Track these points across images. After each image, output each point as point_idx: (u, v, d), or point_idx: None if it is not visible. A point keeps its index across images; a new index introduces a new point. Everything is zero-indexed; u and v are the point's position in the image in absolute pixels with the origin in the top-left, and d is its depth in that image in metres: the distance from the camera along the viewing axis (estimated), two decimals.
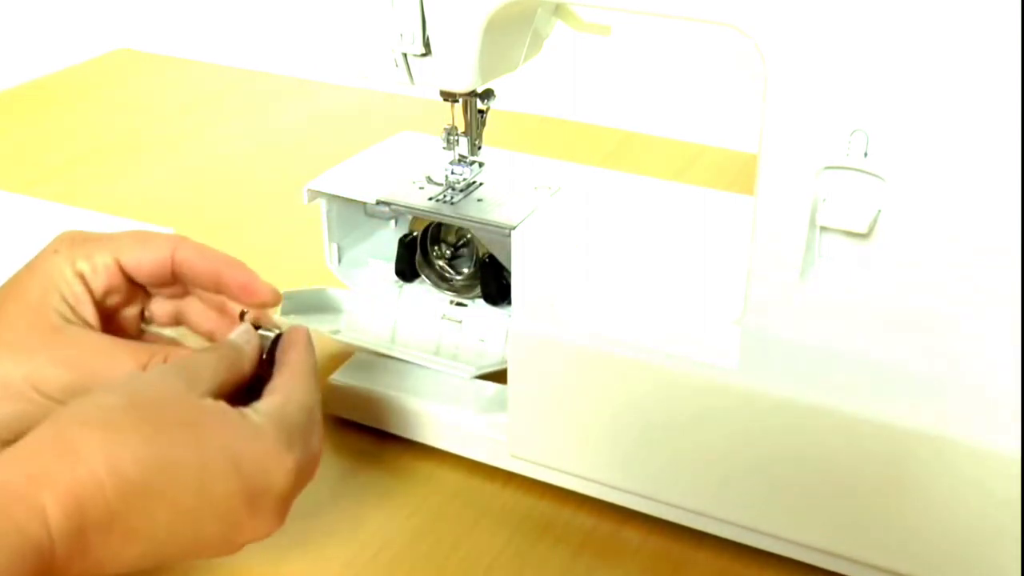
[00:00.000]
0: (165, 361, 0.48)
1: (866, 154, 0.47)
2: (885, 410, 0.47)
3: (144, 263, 0.52)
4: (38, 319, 0.49)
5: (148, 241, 0.52)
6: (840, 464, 0.48)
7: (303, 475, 0.45)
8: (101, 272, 0.51)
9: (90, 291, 0.51)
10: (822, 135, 0.47)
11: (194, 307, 0.55)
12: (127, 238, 0.52)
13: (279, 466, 0.43)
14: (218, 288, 0.52)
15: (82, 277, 0.50)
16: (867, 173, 0.48)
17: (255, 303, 0.52)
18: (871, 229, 0.48)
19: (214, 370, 0.46)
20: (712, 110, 1.03)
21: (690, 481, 0.53)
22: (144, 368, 0.48)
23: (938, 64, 0.44)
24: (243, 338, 0.50)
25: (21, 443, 0.39)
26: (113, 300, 0.52)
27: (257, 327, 0.51)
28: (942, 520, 0.47)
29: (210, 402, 0.44)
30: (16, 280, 0.51)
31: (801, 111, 0.47)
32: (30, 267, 0.51)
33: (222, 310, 0.53)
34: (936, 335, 0.48)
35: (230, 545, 0.43)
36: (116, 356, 0.48)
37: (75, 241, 0.51)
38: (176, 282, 0.53)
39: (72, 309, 0.50)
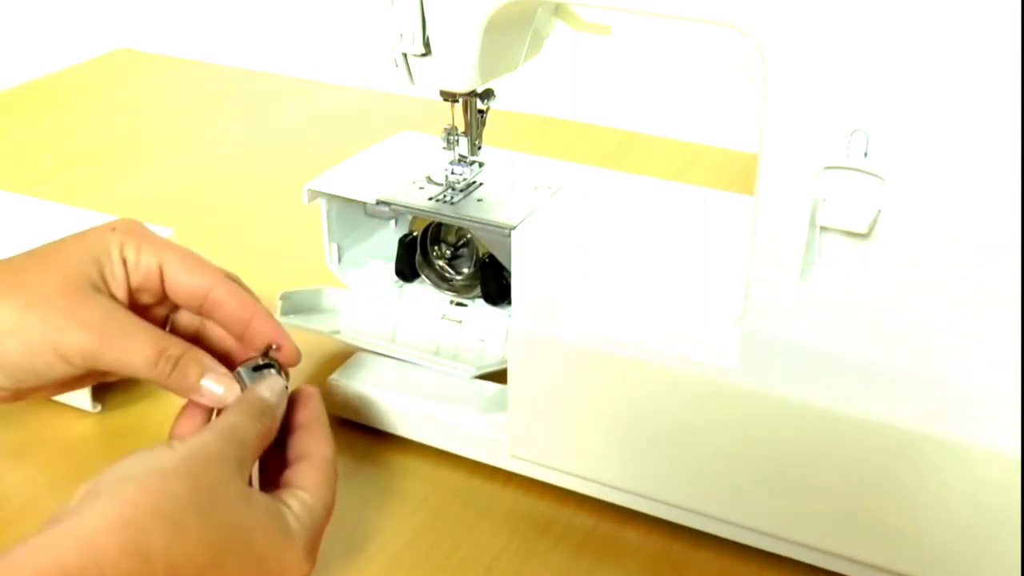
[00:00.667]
0: (177, 361, 0.50)
1: (866, 154, 0.47)
2: (885, 410, 0.47)
3: (180, 287, 0.53)
4: (70, 282, 0.50)
5: (193, 270, 0.52)
6: (840, 464, 0.48)
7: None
8: (142, 270, 0.52)
9: (127, 278, 0.52)
10: (822, 135, 0.47)
11: (216, 331, 0.55)
12: (177, 255, 0.53)
13: (297, 571, 0.45)
14: (242, 335, 0.53)
15: (124, 263, 0.52)
16: (867, 173, 0.48)
17: (278, 358, 0.53)
18: (871, 229, 0.48)
19: (256, 448, 0.47)
20: (712, 110, 1.03)
21: (690, 481, 0.53)
22: (156, 362, 0.49)
23: (938, 64, 0.44)
24: (277, 398, 0.50)
25: (85, 520, 0.40)
26: (143, 298, 0.53)
27: (269, 365, 0.52)
28: (942, 520, 0.47)
29: (259, 498, 0.45)
30: (62, 243, 0.52)
31: (801, 111, 0.47)
32: (80, 235, 0.52)
33: (241, 338, 0.54)
34: (936, 335, 0.48)
35: None
36: (136, 337, 0.49)
37: (132, 230, 0.53)
38: (204, 313, 0.54)
39: (106, 284, 0.51)
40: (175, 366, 0.50)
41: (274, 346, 0.52)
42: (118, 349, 0.49)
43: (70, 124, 1.09)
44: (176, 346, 0.50)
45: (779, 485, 0.50)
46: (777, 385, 0.49)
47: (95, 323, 0.49)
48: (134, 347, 0.49)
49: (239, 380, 0.51)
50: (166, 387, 0.50)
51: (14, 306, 0.49)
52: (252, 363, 0.52)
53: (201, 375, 0.50)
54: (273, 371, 0.52)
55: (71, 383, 0.52)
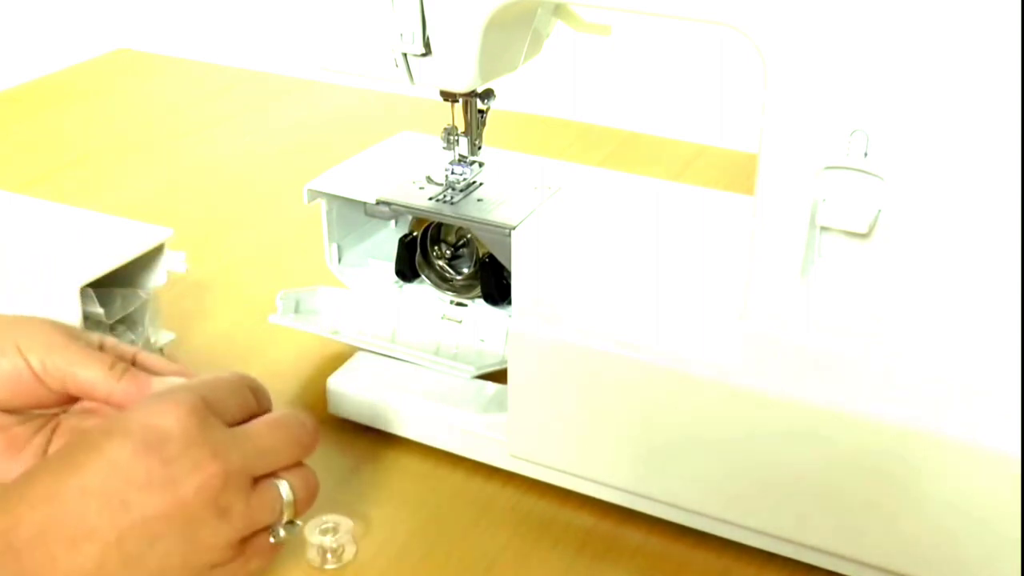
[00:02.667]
0: (127, 369, 0.50)
1: (866, 154, 0.47)
2: (885, 410, 0.47)
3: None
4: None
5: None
6: (840, 464, 0.48)
7: None
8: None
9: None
10: (822, 135, 0.47)
11: None
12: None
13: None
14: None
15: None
16: (867, 173, 0.48)
17: None
18: (871, 229, 0.48)
19: None
20: (712, 110, 1.03)
21: (690, 481, 0.53)
22: (112, 365, 0.50)
23: (938, 64, 0.44)
24: None
25: None
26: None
27: None
28: (942, 520, 0.47)
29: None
30: None
31: (801, 111, 0.47)
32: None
33: None
34: (936, 335, 0.48)
35: None
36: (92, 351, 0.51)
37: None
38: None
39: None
40: (126, 370, 0.50)
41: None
42: (81, 352, 0.50)
43: (70, 124, 1.09)
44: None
45: (779, 485, 0.50)
46: (777, 385, 0.49)
47: (57, 340, 0.50)
48: (94, 354, 0.50)
49: None
50: (118, 393, 0.50)
51: None
52: None
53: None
54: None
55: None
